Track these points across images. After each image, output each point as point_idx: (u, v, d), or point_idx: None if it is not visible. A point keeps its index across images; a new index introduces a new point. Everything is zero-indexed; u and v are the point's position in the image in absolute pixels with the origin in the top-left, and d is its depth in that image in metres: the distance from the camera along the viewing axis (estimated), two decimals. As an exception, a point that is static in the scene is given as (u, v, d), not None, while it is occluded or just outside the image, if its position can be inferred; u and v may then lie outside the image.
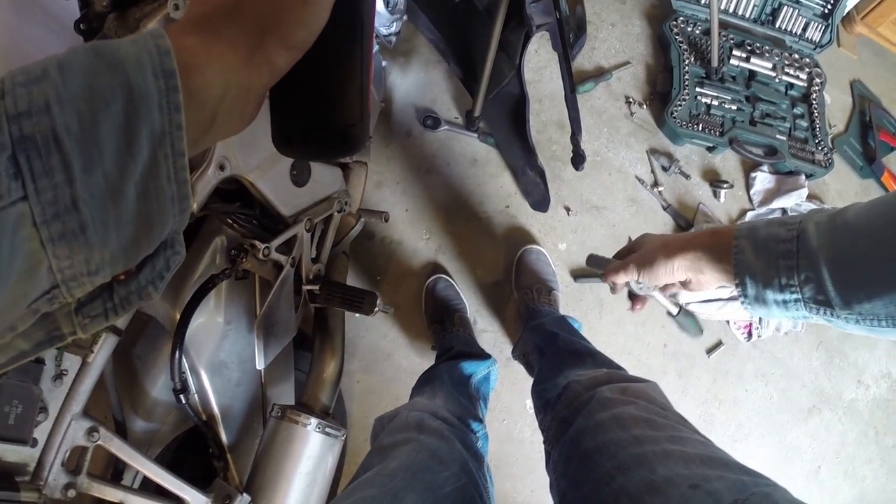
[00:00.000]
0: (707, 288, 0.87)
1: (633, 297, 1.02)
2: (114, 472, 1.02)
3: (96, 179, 0.33)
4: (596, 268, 1.03)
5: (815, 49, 2.49)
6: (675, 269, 0.86)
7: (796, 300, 0.70)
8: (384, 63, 1.66)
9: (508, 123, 1.98)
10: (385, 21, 1.51)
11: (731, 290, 0.79)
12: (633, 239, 1.00)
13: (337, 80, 0.53)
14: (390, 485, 0.84)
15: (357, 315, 1.84)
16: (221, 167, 0.97)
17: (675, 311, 1.09)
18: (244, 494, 1.04)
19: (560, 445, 0.98)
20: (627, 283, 0.97)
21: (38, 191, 0.31)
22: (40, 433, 0.81)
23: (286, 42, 0.47)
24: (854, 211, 0.66)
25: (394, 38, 1.67)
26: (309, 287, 1.23)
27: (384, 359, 1.96)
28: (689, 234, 0.89)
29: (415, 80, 2.11)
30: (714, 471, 0.71)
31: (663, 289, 0.96)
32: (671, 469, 0.73)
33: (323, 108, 0.54)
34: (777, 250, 0.71)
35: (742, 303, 0.77)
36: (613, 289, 1.00)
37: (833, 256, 0.66)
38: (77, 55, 0.33)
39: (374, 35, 1.54)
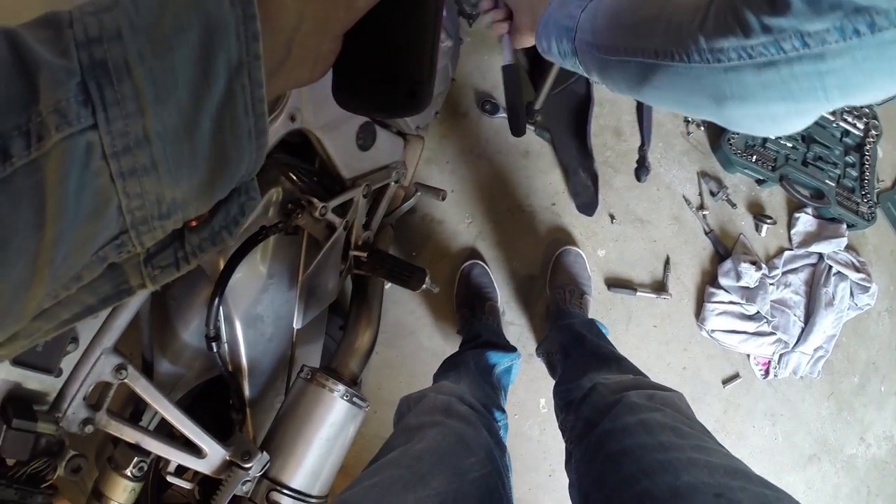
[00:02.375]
0: (524, 28, 0.90)
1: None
2: (132, 411, 0.95)
3: (170, 111, 0.31)
4: None
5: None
6: None
7: (569, 29, 0.72)
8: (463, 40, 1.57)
9: (568, 122, 1.90)
10: (473, -2, 1.43)
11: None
12: None
13: (412, 34, 0.51)
14: (417, 466, 0.82)
15: (387, 286, 1.79)
16: (292, 118, 0.91)
17: (508, 59, 1.07)
18: (263, 452, 0.97)
19: (583, 446, 0.97)
20: None
21: (108, 119, 0.29)
22: (67, 364, 0.74)
23: None
24: None
25: (475, 19, 1.58)
26: (357, 253, 1.16)
27: (407, 335, 1.90)
28: None
29: (479, 63, 2.01)
30: (737, 482, 0.70)
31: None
32: (696, 477, 0.72)
33: (396, 61, 0.52)
34: None
35: (537, 32, 0.79)
36: None
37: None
38: None
39: (458, 12, 1.46)
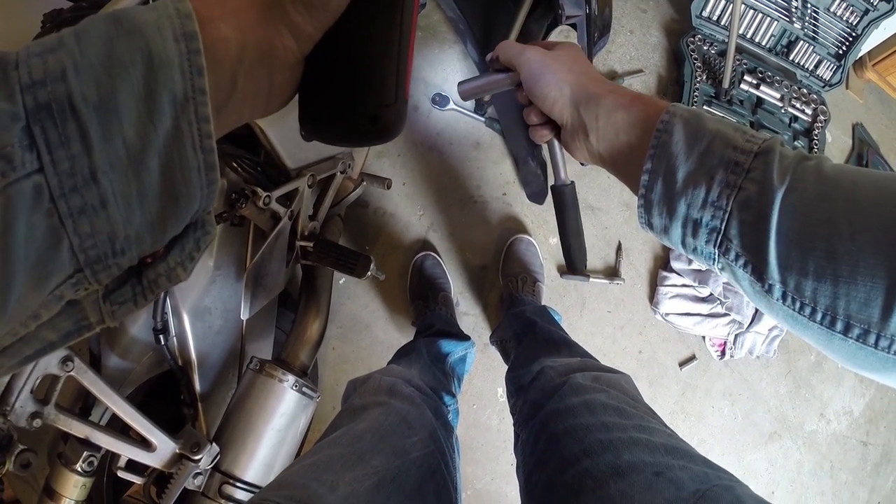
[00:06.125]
0: (582, 153, 0.67)
1: (493, 64, 0.75)
2: (82, 406, 0.97)
3: (116, 149, 0.32)
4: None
5: (823, 87, 2.48)
6: (559, 98, 0.66)
7: (712, 230, 0.51)
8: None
9: (517, 112, 1.93)
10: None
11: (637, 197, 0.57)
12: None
13: (370, 53, 0.47)
14: (357, 445, 0.83)
15: (342, 281, 1.81)
16: (234, 108, 0.92)
17: (561, 177, 0.78)
18: (213, 444, 1.00)
19: (529, 427, 0.98)
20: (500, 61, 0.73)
21: (54, 162, 0.30)
22: (12, 355, 0.76)
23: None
24: (833, 166, 0.48)
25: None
26: (303, 243, 1.19)
27: (362, 329, 1.93)
28: (614, 83, 0.66)
29: (429, 57, 2.05)
30: (678, 461, 0.71)
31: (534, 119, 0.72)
32: (636, 456, 0.72)
33: (354, 85, 0.48)
34: (722, 154, 0.50)
35: (639, 204, 0.57)
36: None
37: (797, 202, 0.46)
38: (95, 24, 0.32)
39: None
